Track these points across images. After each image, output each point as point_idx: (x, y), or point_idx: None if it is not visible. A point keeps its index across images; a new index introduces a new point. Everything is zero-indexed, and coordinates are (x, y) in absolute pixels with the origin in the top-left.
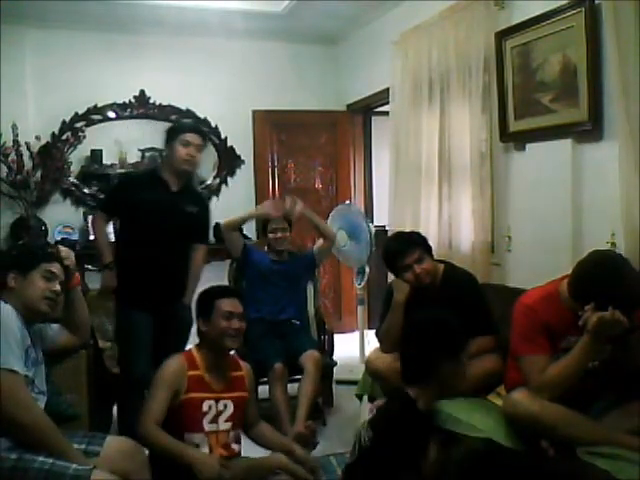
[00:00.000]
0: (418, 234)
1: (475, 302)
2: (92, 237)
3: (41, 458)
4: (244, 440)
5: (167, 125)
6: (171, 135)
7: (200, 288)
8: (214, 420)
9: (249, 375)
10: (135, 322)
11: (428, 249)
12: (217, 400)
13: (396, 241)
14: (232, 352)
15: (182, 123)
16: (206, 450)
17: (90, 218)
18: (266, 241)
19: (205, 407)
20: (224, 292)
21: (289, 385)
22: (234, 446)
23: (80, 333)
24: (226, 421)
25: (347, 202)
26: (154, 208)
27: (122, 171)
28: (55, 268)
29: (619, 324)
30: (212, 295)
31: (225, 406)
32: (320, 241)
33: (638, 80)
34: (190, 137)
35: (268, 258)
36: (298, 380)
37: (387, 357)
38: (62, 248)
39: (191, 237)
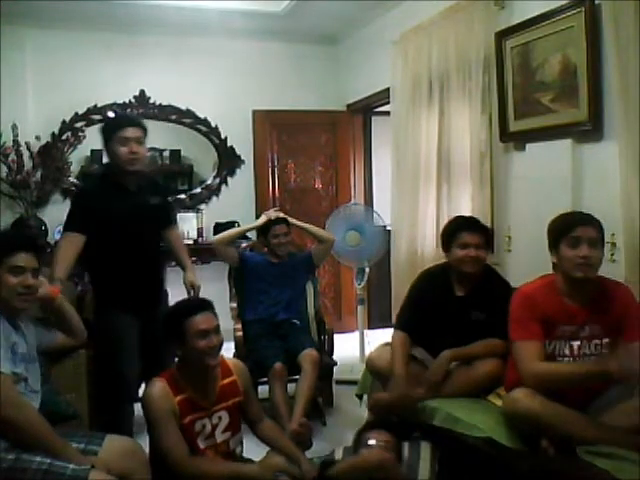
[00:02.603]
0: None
1: (501, 308)
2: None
3: (39, 458)
4: (244, 440)
5: (167, 125)
6: (107, 134)
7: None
8: (210, 435)
9: (242, 375)
10: (122, 326)
11: (489, 244)
12: (210, 415)
13: (468, 219)
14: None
15: (115, 118)
16: None
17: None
18: (266, 244)
19: (198, 427)
20: (194, 308)
21: (289, 385)
22: (237, 451)
23: (75, 335)
24: (224, 432)
25: (353, 202)
26: (122, 215)
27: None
28: (21, 260)
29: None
30: (181, 314)
31: (220, 418)
32: (317, 248)
33: (638, 80)
34: (128, 132)
35: (266, 260)
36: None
37: (388, 356)
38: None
39: (160, 226)
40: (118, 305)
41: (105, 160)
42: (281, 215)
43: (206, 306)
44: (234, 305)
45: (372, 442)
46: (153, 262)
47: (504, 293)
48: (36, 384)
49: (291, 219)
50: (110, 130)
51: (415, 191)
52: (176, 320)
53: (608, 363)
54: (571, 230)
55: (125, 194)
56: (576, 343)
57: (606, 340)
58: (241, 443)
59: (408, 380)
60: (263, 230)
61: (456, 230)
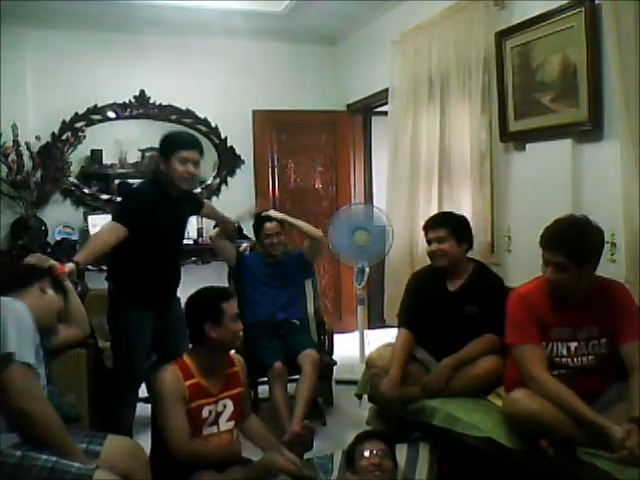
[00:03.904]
0: (458, 217)
1: (494, 302)
2: (92, 236)
3: (45, 456)
4: (243, 440)
5: (167, 125)
6: (167, 149)
7: (194, 288)
8: (214, 422)
9: (242, 368)
10: (139, 321)
11: (458, 234)
12: (217, 402)
13: (434, 216)
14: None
15: (178, 137)
16: None
17: (104, 223)
18: (261, 246)
19: (205, 413)
20: (228, 294)
21: (289, 385)
22: (237, 446)
23: (79, 325)
24: (228, 420)
25: (358, 201)
26: (165, 223)
27: (123, 171)
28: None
29: None
30: (219, 298)
31: (225, 406)
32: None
33: (638, 80)
34: (187, 154)
35: (262, 260)
36: (298, 380)
37: (389, 355)
38: None
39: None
40: (140, 303)
41: (102, 160)
42: (272, 214)
43: (233, 294)
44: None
45: (367, 453)
46: (177, 264)
47: (496, 288)
48: (44, 381)
49: (279, 214)
50: (172, 146)
51: (415, 191)
52: (215, 303)
53: (613, 428)
54: (543, 250)
55: (170, 203)
56: (573, 344)
57: (603, 340)
58: (238, 439)
59: (401, 383)
60: (256, 230)
61: (424, 228)
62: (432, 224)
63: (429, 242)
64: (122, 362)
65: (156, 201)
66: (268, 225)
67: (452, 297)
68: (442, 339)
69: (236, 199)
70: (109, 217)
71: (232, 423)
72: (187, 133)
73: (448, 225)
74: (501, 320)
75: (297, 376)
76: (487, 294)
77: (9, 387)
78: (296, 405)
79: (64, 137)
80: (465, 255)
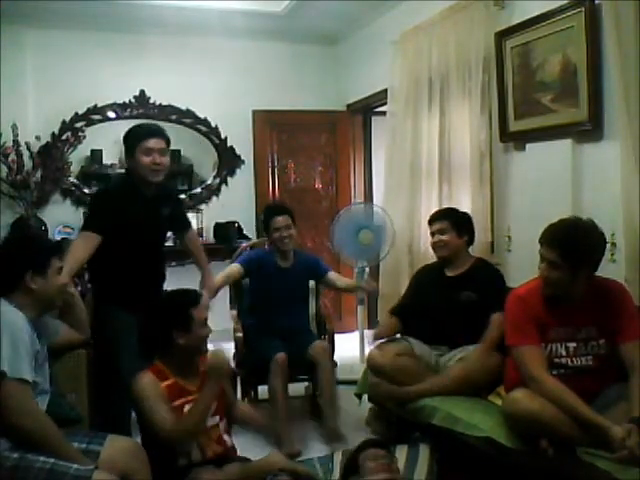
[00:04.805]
0: (459, 212)
1: (491, 291)
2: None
3: (43, 458)
4: (241, 438)
5: (167, 125)
6: (129, 143)
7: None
8: None
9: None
10: (125, 324)
11: (458, 226)
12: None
13: (436, 211)
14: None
15: (139, 128)
16: (197, 452)
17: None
18: (269, 240)
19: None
20: (195, 298)
21: (290, 385)
22: (226, 438)
23: (81, 328)
24: (213, 415)
25: (361, 201)
26: (137, 221)
27: (123, 171)
28: (61, 261)
29: None
30: (187, 304)
31: None
32: (340, 281)
33: (638, 80)
34: (151, 143)
35: (275, 263)
36: (302, 380)
37: (389, 353)
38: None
39: (176, 231)
40: (120, 304)
41: (102, 161)
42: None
43: (200, 295)
44: (234, 305)
45: (373, 457)
46: (158, 264)
47: (494, 279)
48: (46, 384)
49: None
50: (134, 139)
51: (415, 191)
52: (184, 309)
53: (613, 428)
54: (541, 245)
55: (143, 200)
56: (572, 345)
57: (602, 341)
58: (230, 432)
59: (399, 383)
60: (264, 223)
61: (429, 222)
62: (436, 217)
63: (432, 234)
64: (117, 364)
65: (126, 200)
66: (278, 218)
67: (450, 282)
68: (438, 325)
69: (236, 199)
70: None
71: (217, 418)
72: (149, 123)
73: (449, 218)
74: (498, 309)
75: (301, 376)
76: (485, 283)
77: (3, 404)
78: (324, 401)
79: (64, 137)
80: (466, 248)
